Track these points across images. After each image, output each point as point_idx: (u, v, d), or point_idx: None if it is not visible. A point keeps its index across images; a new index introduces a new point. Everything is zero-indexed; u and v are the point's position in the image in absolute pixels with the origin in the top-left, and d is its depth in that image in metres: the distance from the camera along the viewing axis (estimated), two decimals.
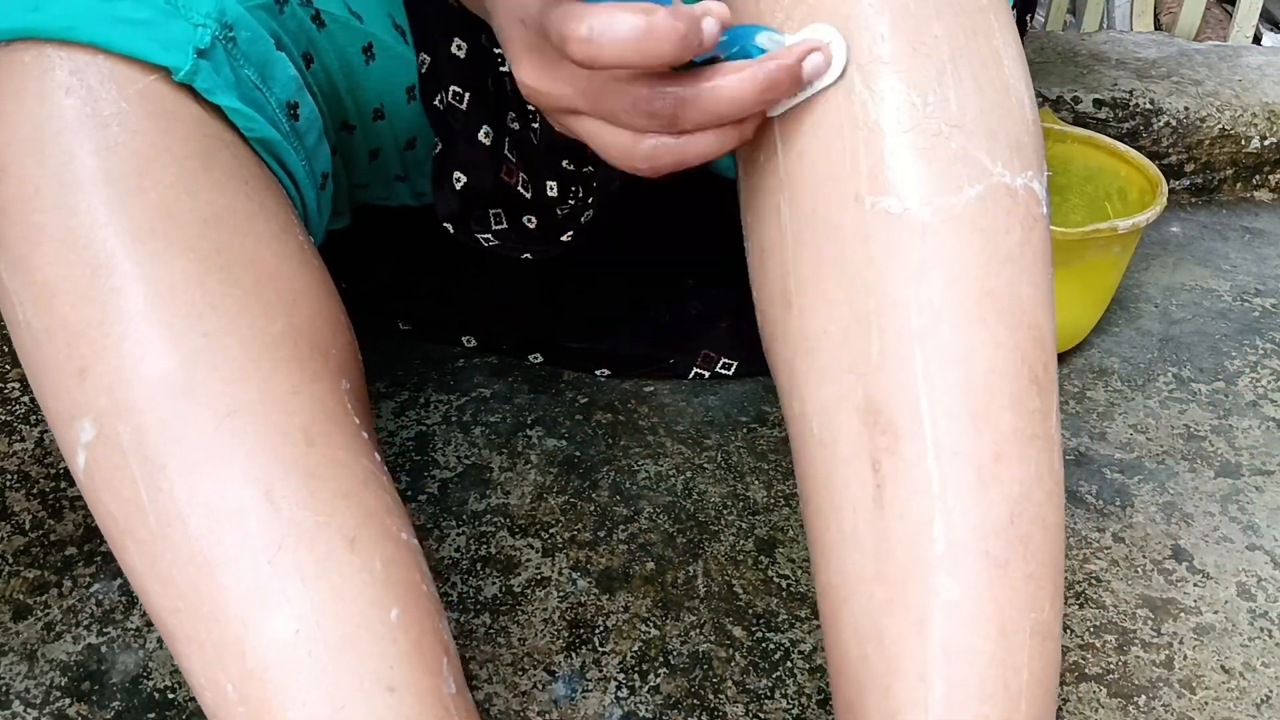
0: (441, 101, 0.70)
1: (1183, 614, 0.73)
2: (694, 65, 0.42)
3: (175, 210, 0.43)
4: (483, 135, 0.71)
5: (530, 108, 0.71)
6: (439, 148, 0.72)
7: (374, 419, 0.53)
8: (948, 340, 0.42)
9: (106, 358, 0.42)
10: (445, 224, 0.74)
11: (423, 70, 0.69)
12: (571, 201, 0.74)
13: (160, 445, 0.41)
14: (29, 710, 0.63)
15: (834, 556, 0.45)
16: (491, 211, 0.76)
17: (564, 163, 0.73)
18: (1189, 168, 1.23)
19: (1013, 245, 0.43)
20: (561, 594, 0.72)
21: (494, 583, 0.72)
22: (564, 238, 0.75)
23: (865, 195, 0.42)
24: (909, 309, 0.42)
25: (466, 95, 0.70)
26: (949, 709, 0.42)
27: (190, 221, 0.43)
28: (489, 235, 0.75)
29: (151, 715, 0.63)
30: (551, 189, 0.75)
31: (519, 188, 0.74)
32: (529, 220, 0.76)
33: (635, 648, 0.69)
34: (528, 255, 0.75)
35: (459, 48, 0.68)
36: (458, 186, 0.72)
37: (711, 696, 0.66)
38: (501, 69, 0.71)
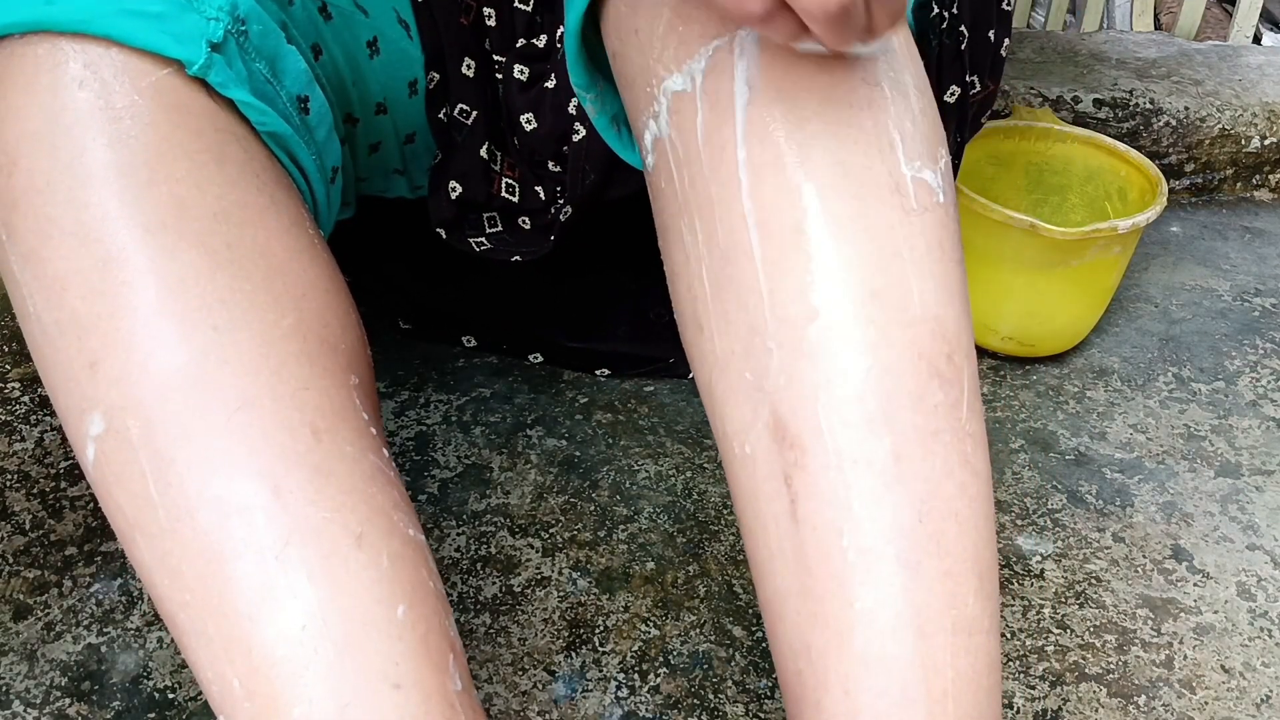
0: (446, 115, 0.70)
1: (1183, 614, 0.73)
2: None
3: (187, 204, 0.43)
4: (484, 151, 0.72)
5: (526, 119, 0.72)
6: (439, 158, 0.72)
7: (382, 414, 0.53)
8: (838, 348, 0.42)
9: (117, 351, 0.42)
10: (438, 229, 0.74)
11: (431, 86, 0.69)
12: (560, 201, 0.74)
13: (170, 440, 0.41)
14: (29, 710, 0.63)
15: (765, 574, 0.45)
16: (485, 215, 0.76)
17: (550, 164, 0.74)
18: (1189, 168, 1.23)
19: (899, 240, 0.43)
20: (561, 594, 0.72)
21: (494, 583, 0.72)
22: (551, 237, 0.75)
23: (750, 213, 0.43)
24: (799, 321, 0.43)
25: (474, 114, 0.71)
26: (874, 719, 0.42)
27: (201, 216, 0.43)
28: (482, 239, 0.75)
29: (151, 715, 0.63)
30: (540, 193, 0.75)
31: (509, 195, 0.75)
32: (523, 221, 0.77)
33: (635, 648, 0.69)
34: (517, 258, 0.75)
35: (469, 67, 0.69)
36: (453, 196, 0.73)
37: (711, 696, 0.66)
38: (513, 76, 0.71)
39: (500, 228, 0.76)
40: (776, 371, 0.43)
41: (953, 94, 0.73)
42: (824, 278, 0.42)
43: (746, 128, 0.43)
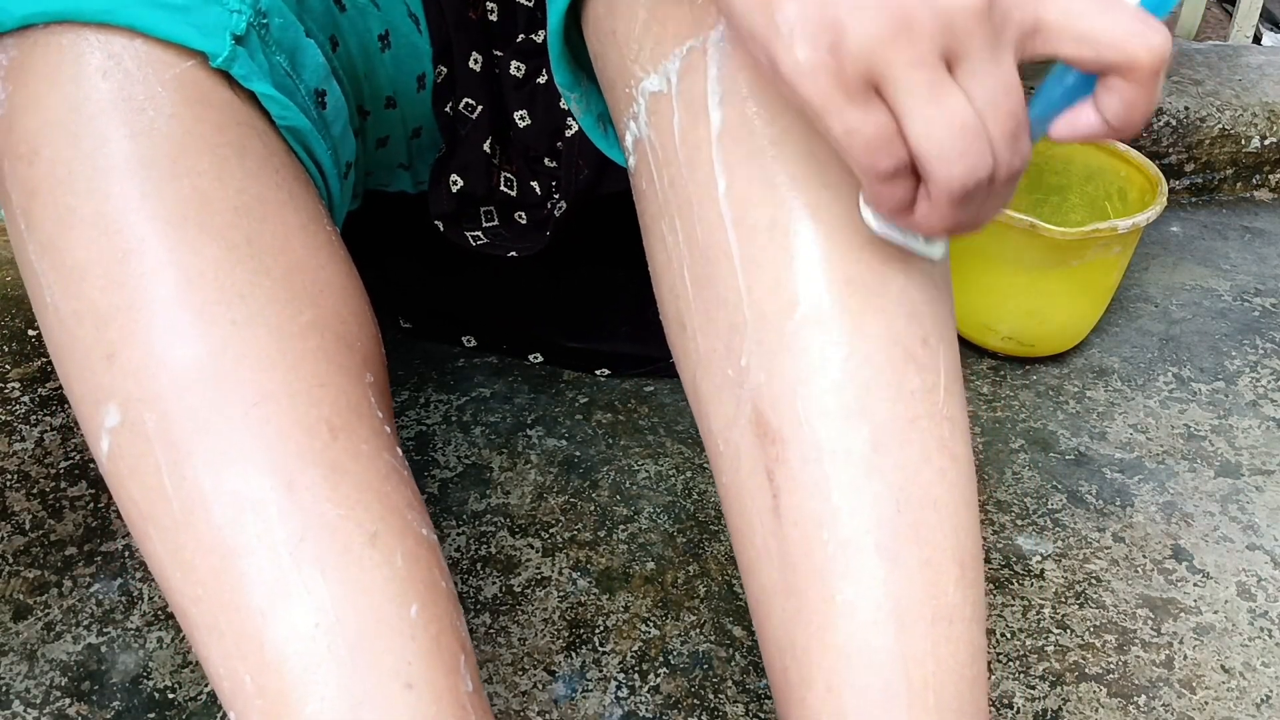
0: (452, 109, 0.70)
1: (1183, 614, 0.73)
2: None
3: (208, 197, 0.43)
4: (486, 146, 0.72)
5: (520, 115, 0.71)
6: (443, 151, 0.73)
7: (394, 414, 0.53)
8: (816, 339, 0.42)
9: (134, 343, 0.41)
10: (436, 222, 0.74)
11: (438, 80, 0.69)
12: (556, 196, 0.74)
13: (185, 433, 0.41)
14: (29, 710, 0.63)
15: (752, 572, 0.46)
16: (483, 209, 0.76)
17: (545, 160, 0.74)
18: (1189, 167, 1.23)
19: None
20: (561, 594, 0.72)
21: (494, 583, 0.72)
22: (547, 233, 0.76)
23: (727, 212, 0.43)
24: (777, 316, 0.43)
25: (480, 108, 0.71)
26: (857, 715, 0.42)
27: (222, 209, 0.43)
28: (478, 233, 0.75)
29: (151, 715, 0.63)
30: (536, 188, 0.75)
31: (507, 189, 0.75)
32: (520, 216, 0.77)
33: (635, 648, 0.69)
34: (514, 254, 0.75)
35: (475, 62, 0.69)
36: (454, 189, 0.73)
37: (711, 696, 0.66)
38: (509, 72, 0.71)
39: (497, 222, 0.76)
40: (757, 367, 0.43)
41: None
42: (800, 270, 0.42)
43: (721, 127, 0.43)
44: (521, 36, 0.70)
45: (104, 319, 0.42)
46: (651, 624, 0.70)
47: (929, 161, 0.35)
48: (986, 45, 0.34)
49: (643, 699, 0.65)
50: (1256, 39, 1.53)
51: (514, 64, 0.71)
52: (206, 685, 0.65)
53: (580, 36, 0.52)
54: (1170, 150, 1.21)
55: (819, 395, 0.42)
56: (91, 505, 0.75)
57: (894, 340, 0.43)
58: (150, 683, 0.65)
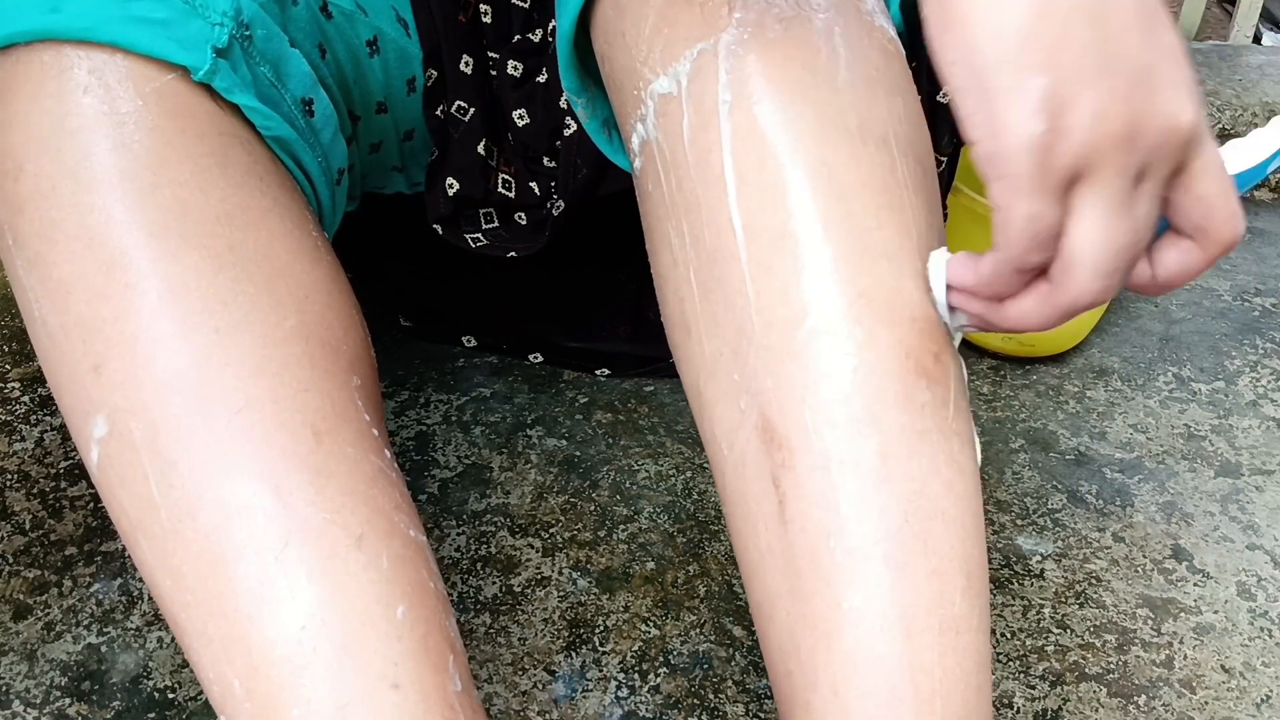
0: (443, 112, 0.71)
1: (1183, 614, 0.73)
2: None
3: (190, 207, 0.43)
4: (481, 148, 0.72)
5: (519, 114, 0.72)
6: (436, 154, 0.73)
7: (385, 415, 0.53)
8: (825, 349, 0.42)
9: (120, 354, 0.42)
10: (435, 225, 0.74)
11: (429, 84, 0.69)
12: (555, 196, 0.75)
13: (172, 442, 0.41)
14: (29, 710, 0.63)
15: (755, 575, 0.46)
16: (482, 212, 0.76)
17: (544, 160, 0.74)
18: None
19: (888, 239, 0.43)
20: (561, 594, 0.72)
21: (494, 582, 0.72)
22: (546, 233, 0.76)
23: (737, 217, 0.43)
24: (786, 325, 0.43)
25: (472, 110, 0.71)
26: (861, 717, 0.42)
27: (204, 219, 0.43)
28: (478, 235, 0.75)
29: (151, 715, 0.63)
30: (534, 189, 0.75)
31: (505, 190, 0.75)
32: (519, 217, 0.77)
33: (635, 648, 0.69)
34: (513, 254, 0.76)
35: (467, 64, 0.69)
36: (450, 192, 0.73)
37: (711, 696, 0.66)
38: (507, 73, 0.71)
39: (496, 224, 0.76)
40: (764, 373, 0.43)
41: (945, 95, 0.73)
42: (810, 280, 0.42)
43: (732, 131, 0.43)
44: (518, 37, 0.71)
45: (90, 331, 0.42)
46: (651, 624, 0.70)
47: (1080, 271, 0.36)
48: (1167, 171, 0.36)
49: (643, 699, 0.65)
50: (1256, 39, 1.53)
51: (511, 64, 0.71)
52: None
53: (587, 40, 0.52)
54: None
55: (827, 405, 0.42)
56: (91, 505, 0.75)
57: (906, 354, 0.43)
58: (150, 683, 0.65)
